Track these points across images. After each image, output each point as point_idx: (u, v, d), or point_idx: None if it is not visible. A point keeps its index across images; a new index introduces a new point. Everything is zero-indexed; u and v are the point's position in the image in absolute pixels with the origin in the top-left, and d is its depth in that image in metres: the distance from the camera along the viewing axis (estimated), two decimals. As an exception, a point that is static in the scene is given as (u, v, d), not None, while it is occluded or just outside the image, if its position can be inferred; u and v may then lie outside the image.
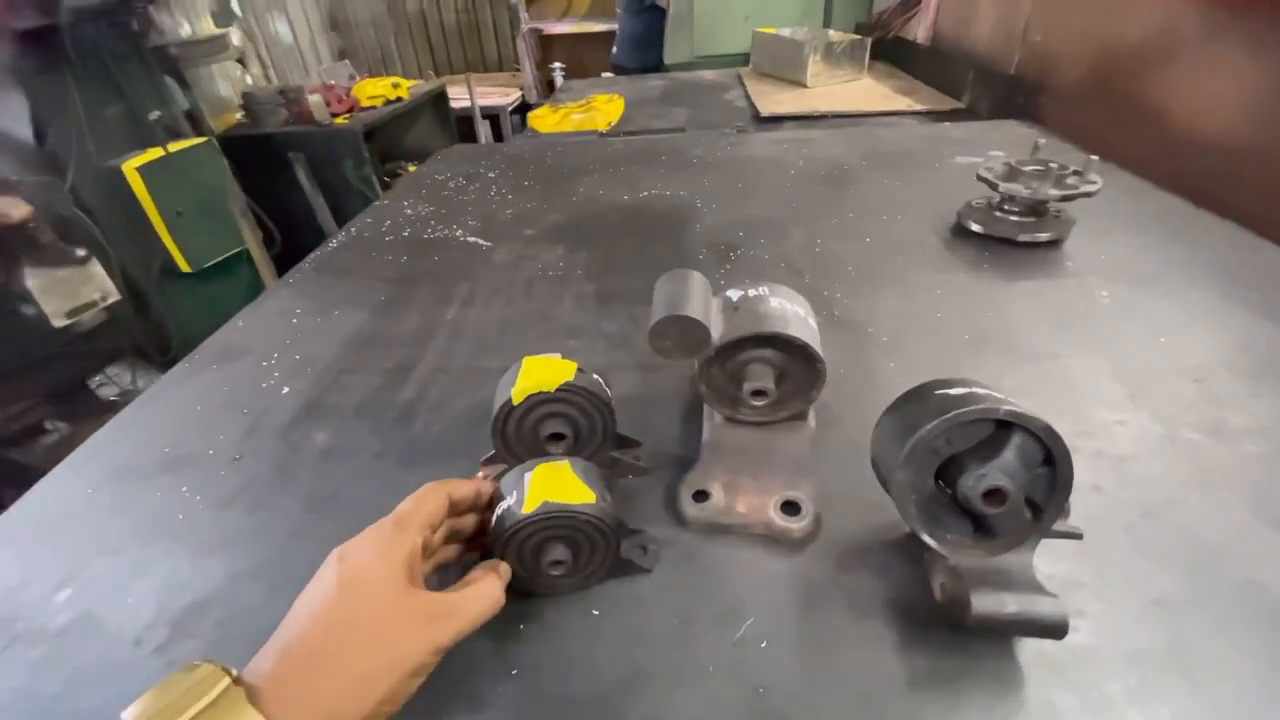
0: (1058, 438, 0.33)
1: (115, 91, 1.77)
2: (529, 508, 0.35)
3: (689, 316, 0.40)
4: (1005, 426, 0.34)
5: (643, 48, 2.97)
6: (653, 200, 1.01)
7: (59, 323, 1.58)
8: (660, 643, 0.36)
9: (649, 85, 2.18)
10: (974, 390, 0.36)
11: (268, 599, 0.41)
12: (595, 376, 0.44)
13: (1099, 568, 0.38)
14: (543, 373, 0.42)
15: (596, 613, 0.38)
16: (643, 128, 1.68)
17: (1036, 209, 0.78)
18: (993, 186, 0.77)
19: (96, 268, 1.65)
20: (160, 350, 1.93)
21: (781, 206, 0.95)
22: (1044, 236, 0.76)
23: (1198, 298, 0.65)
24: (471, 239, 0.92)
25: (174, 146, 1.86)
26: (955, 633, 0.35)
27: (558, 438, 0.43)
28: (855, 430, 0.50)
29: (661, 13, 2.74)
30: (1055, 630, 0.32)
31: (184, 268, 1.92)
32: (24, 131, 1.65)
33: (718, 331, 0.42)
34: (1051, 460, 0.34)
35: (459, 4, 4.26)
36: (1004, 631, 0.34)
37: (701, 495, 0.44)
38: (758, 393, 0.42)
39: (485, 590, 0.33)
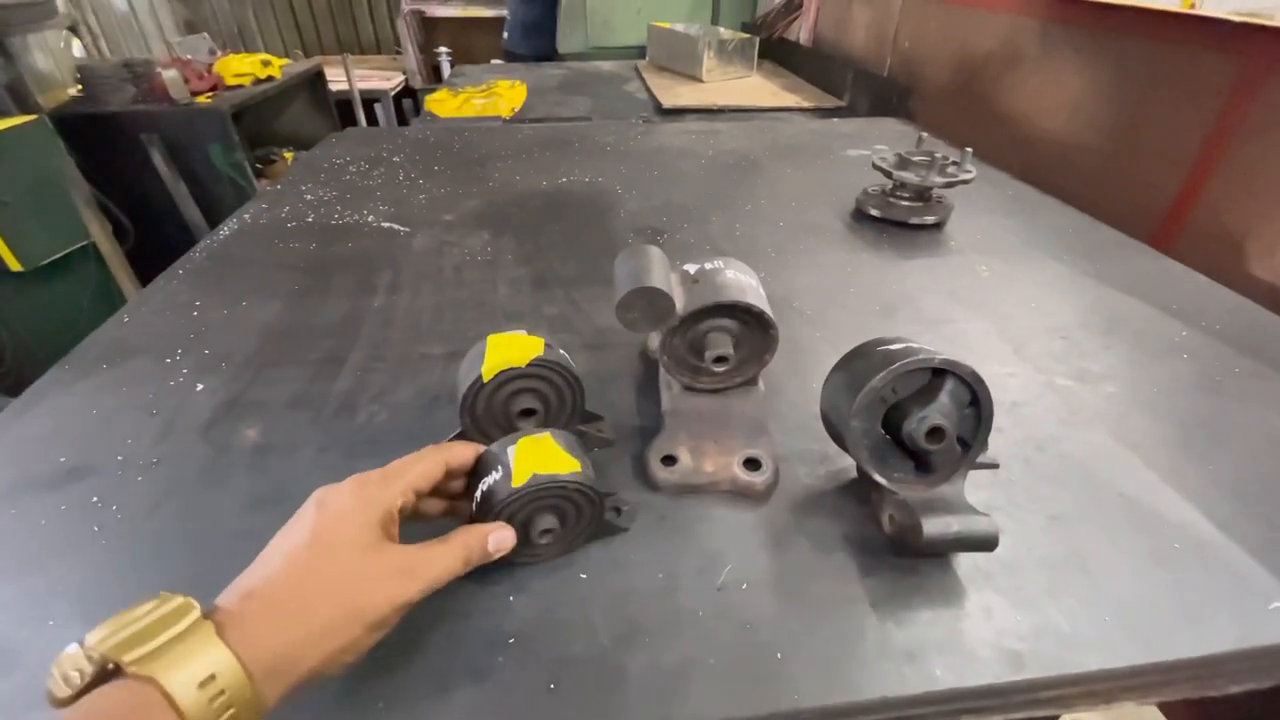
0: (982, 381, 0.39)
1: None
2: (518, 481, 0.36)
3: (655, 288, 0.42)
4: (939, 374, 0.39)
5: (535, 34, 2.92)
6: (573, 186, 1.01)
7: None
8: (649, 597, 0.38)
9: (548, 74, 2.16)
10: (909, 345, 0.41)
11: (225, 602, 0.38)
12: (562, 351, 0.45)
13: (1008, 493, 0.45)
14: (511, 349, 0.43)
15: (584, 576, 0.39)
16: (547, 115, 1.66)
17: (924, 195, 0.87)
18: (887, 175, 0.86)
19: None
20: (-13, 362, 1.66)
21: (699, 193, 0.99)
22: (930, 219, 0.86)
23: (1053, 269, 0.76)
24: (386, 224, 0.88)
25: (-7, 124, 1.59)
26: (901, 557, 0.40)
27: (529, 413, 0.43)
28: (793, 393, 0.54)
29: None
30: (988, 543, 0.38)
31: (14, 266, 1.65)
32: None
33: (680, 303, 0.44)
34: (976, 401, 0.40)
35: (329, -22, 3.96)
36: (948, 549, 0.39)
37: (669, 460, 0.46)
38: (719, 359, 0.45)
39: (449, 551, 0.34)
